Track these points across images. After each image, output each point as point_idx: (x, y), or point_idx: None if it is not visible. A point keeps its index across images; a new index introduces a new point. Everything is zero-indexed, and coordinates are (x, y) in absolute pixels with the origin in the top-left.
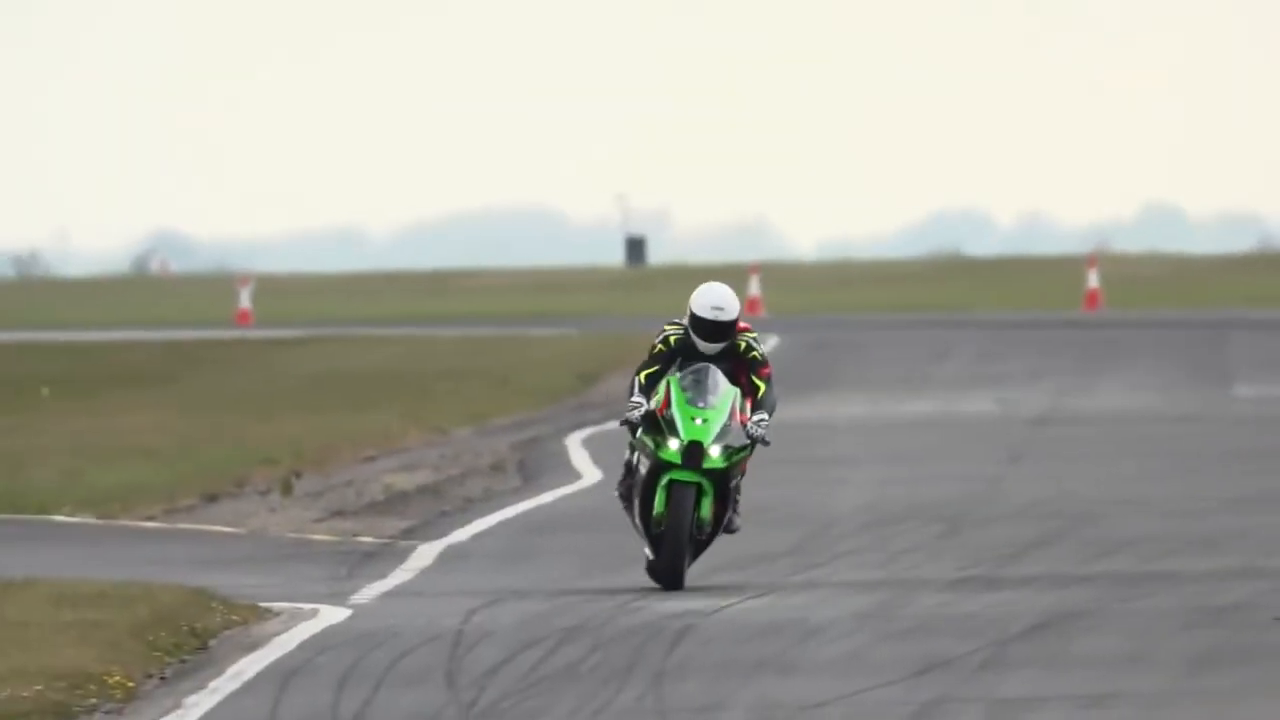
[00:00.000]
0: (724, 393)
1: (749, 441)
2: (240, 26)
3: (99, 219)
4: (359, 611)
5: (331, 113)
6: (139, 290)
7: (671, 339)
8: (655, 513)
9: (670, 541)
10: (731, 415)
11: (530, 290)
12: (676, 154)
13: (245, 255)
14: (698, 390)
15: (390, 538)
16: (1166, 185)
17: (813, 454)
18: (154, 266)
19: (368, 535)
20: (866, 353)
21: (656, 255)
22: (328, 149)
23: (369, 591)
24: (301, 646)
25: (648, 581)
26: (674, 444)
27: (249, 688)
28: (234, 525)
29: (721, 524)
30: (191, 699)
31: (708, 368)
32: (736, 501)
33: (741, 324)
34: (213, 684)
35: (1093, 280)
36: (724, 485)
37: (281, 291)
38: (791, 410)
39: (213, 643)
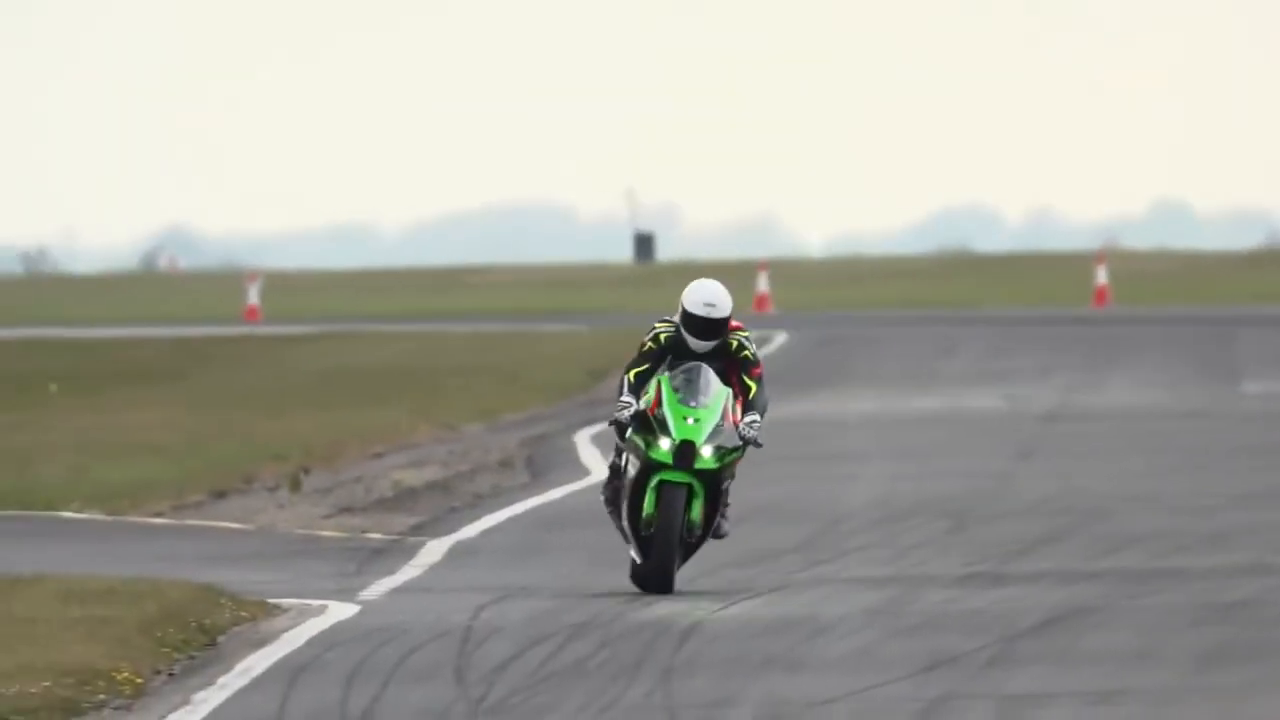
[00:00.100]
0: (716, 392)
1: (741, 443)
2: (250, 24)
3: (107, 216)
4: (368, 608)
5: (341, 110)
6: (147, 287)
7: (662, 337)
8: (645, 514)
9: (660, 543)
10: (724, 415)
11: (539, 286)
12: (686, 151)
13: (254, 252)
14: (689, 389)
15: (399, 534)
16: (1175, 182)
17: (821, 450)
18: (162, 263)
19: (376, 531)
20: (875, 349)
21: (665, 252)
22: (337, 146)
23: (378, 588)
24: (310, 643)
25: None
26: (665, 444)
27: (257, 684)
28: (242, 522)
29: (711, 527)
30: (200, 695)
31: (699, 366)
32: (726, 505)
33: (734, 322)
34: (221, 680)
35: (1101, 277)
36: (715, 487)
37: (290, 288)
38: (800, 406)
39: (221, 639)
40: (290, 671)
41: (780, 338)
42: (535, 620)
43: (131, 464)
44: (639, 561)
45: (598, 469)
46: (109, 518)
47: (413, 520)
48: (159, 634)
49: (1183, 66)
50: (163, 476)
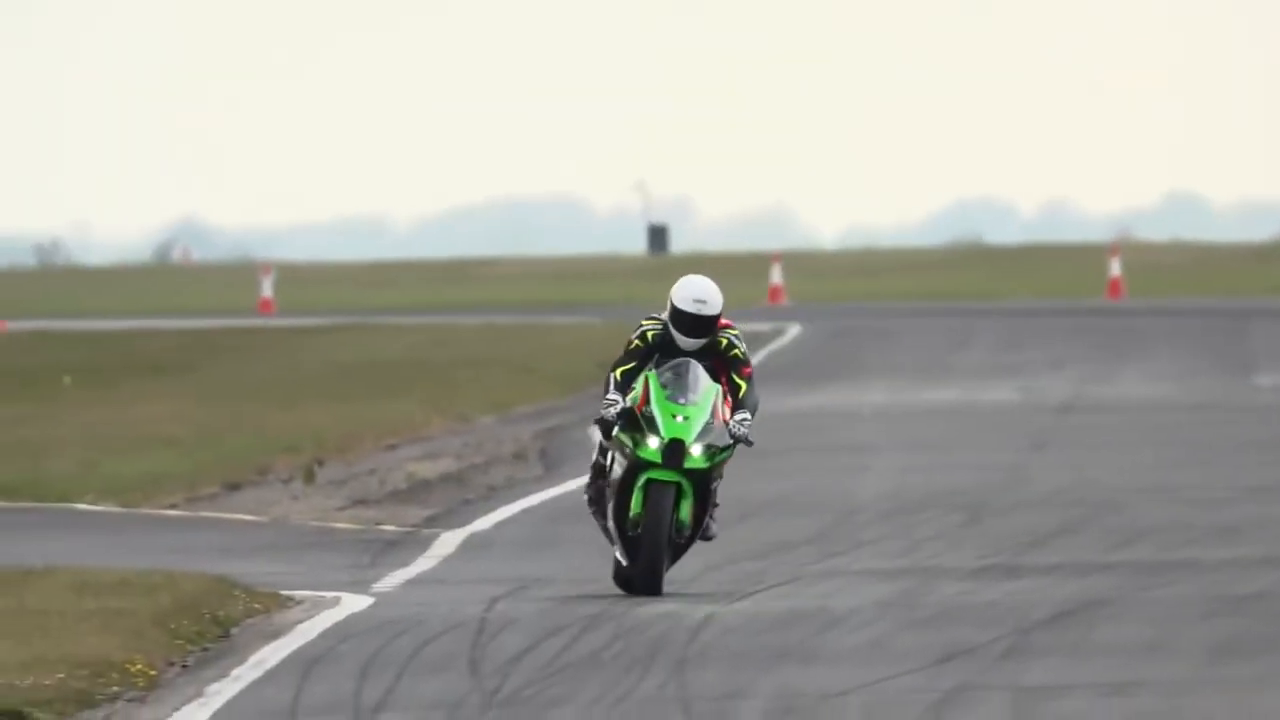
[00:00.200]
0: (705, 389)
1: (731, 441)
2: (264, 18)
3: (121, 208)
4: (381, 600)
5: (353, 104)
6: (161, 279)
7: (649, 334)
8: (632, 514)
9: (648, 544)
10: (713, 413)
11: (552, 278)
12: (699, 144)
13: (266, 244)
14: (678, 386)
15: (413, 526)
16: (1189, 174)
17: (834, 442)
18: (176, 255)
19: (390, 523)
20: (888, 341)
21: (679, 244)
22: (349, 139)
23: (391, 580)
24: (324, 635)
25: (671, 570)
26: (653, 442)
27: (271, 676)
28: (256, 513)
29: (700, 527)
30: (214, 687)
31: (688, 362)
32: (715, 505)
33: (724, 320)
34: (235, 672)
35: (1115, 269)
36: (704, 487)
37: (303, 280)
38: (813, 398)
39: (235, 631)
40: (304, 663)
41: (794, 330)
42: (549, 612)
43: (145, 456)
44: (625, 563)
45: None
46: (122, 510)
47: (426, 512)
48: (173, 626)
49: (1197, 59)
50: (176, 469)
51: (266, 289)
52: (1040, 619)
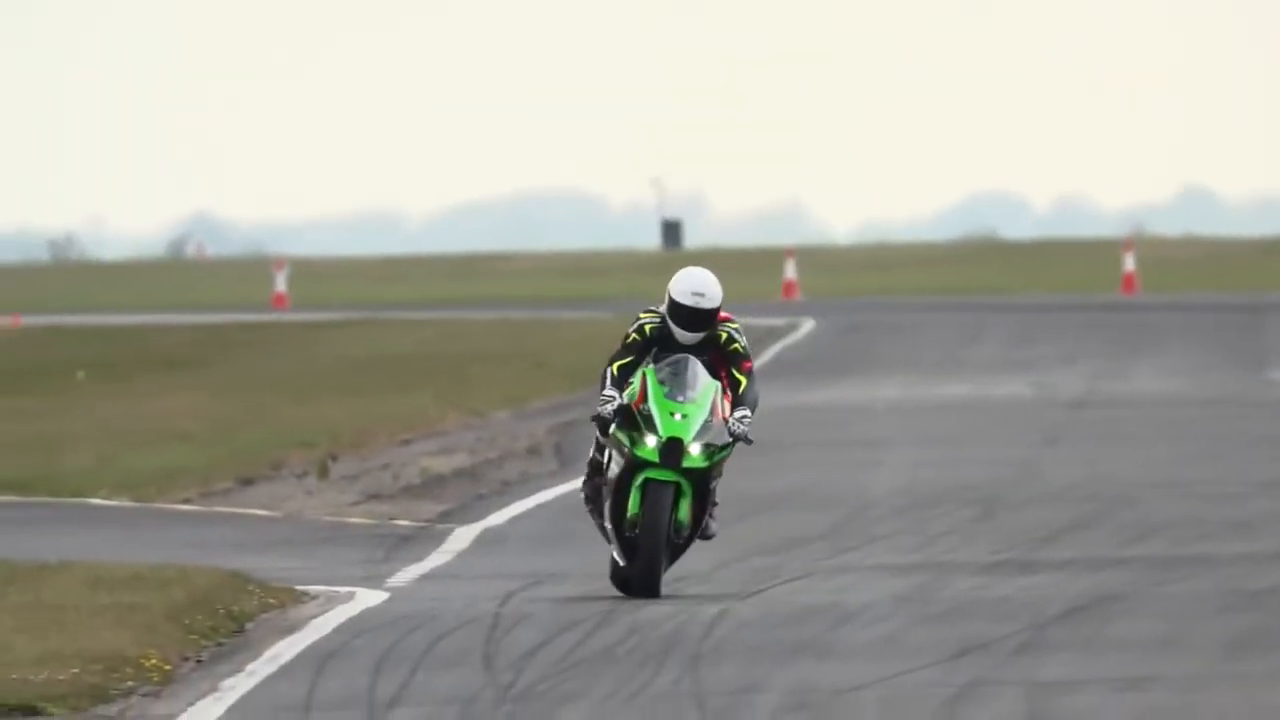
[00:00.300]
0: (704, 386)
1: (731, 440)
2: (278, 12)
3: (135, 203)
4: (396, 594)
5: (367, 99)
6: (175, 274)
7: (647, 328)
8: (629, 514)
9: (646, 545)
10: (713, 411)
11: (566, 273)
12: (713, 138)
13: (281, 239)
14: (676, 383)
15: (427, 521)
16: (1202, 169)
17: (848, 436)
18: (190, 250)
19: (404, 518)
20: (902, 336)
21: (693, 239)
22: (364, 134)
23: (406, 574)
24: (338, 630)
25: (685, 566)
26: (651, 441)
27: (286, 671)
28: (270, 508)
29: (699, 527)
30: (228, 682)
31: (686, 358)
32: (714, 505)
33: (723, 313)
34: (249, 667)
35: (1129, 263)
36: (703, 486)
37: (317, 275)
38: (826, 393)
39: (249, 626)
40: (318, 658)
41: (807, 325)
42: (563, 607)
43: (159, 451)
44: (622, 564)
45: None
46: (137, 505)
47: (441, 507)
48: (187, 621)
49: (1210, 54)
50: (190, 463)
51: (280, 284)
52: (1054, 614)
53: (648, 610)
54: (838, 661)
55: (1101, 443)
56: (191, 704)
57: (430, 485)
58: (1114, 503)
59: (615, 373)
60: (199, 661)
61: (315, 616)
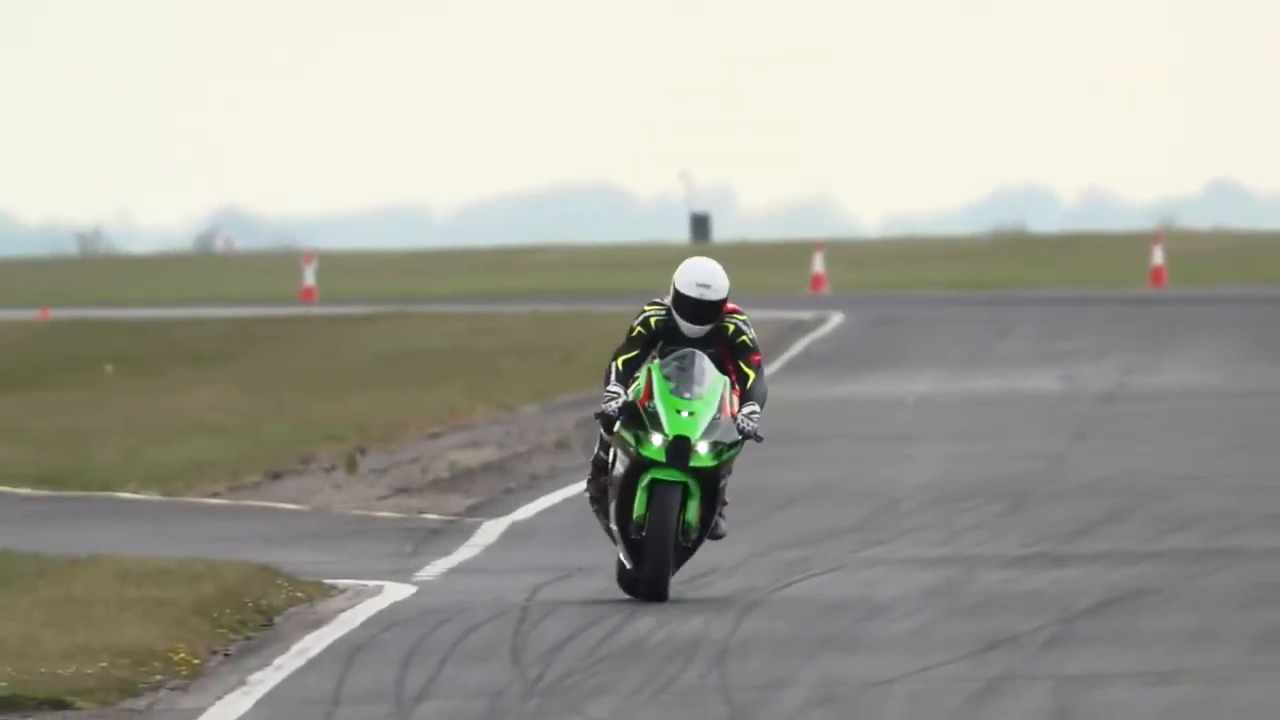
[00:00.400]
0: (712, 382)
1: (740, 437)
2: (308, 5)
3: (163, 196)
4: (424, 588)
5: (395, 92)
6: (203, 267)
7: (653, 320)
8: (635, 516)
9: (653, 548)
10: (721, 408)
11: (595, 266)
12: (742, 131)
13: (309, 233)
14: (683, 379)
15: (455, 515)
16: (1230, 162)
17: (877, 430)
18: (218, 244)
19: (433, 512)
20: (930, 329)
21: (721, 232)
22: (391, 127)
23: (434, 568)
24: (366, 623)
25: (713, 559)
26: (657, 439)
27: (314, 665)
28: (299, 502)
29: (708, 528)
30: (256, 676)
31: (693, 353)
32: (724, 504)
33: (730, 304)
34: (278, 661)
35: (1158, 257)
36: (712, 486)
37: (346, 269)
38: (855, 387)
39: (278, 620)
40: (347, 652)
41: (835, 318)
42: (591, 601)
43: (187, 445)
44: (629, 566)
45: None
46: (165, 498)
47: (469, 501)
48: (215, 615)
49: (1239, 47)
50: (219, 457)
51: (309, 277)
52: (1084, 608)
53: (675, 603)
54: (866, 655)
55: (1131, 436)
56: (219, 698)
57: (459, 479)
58: (1143, 496)
59: (620, 368)
60: (227, 655)
61: (343, 610)
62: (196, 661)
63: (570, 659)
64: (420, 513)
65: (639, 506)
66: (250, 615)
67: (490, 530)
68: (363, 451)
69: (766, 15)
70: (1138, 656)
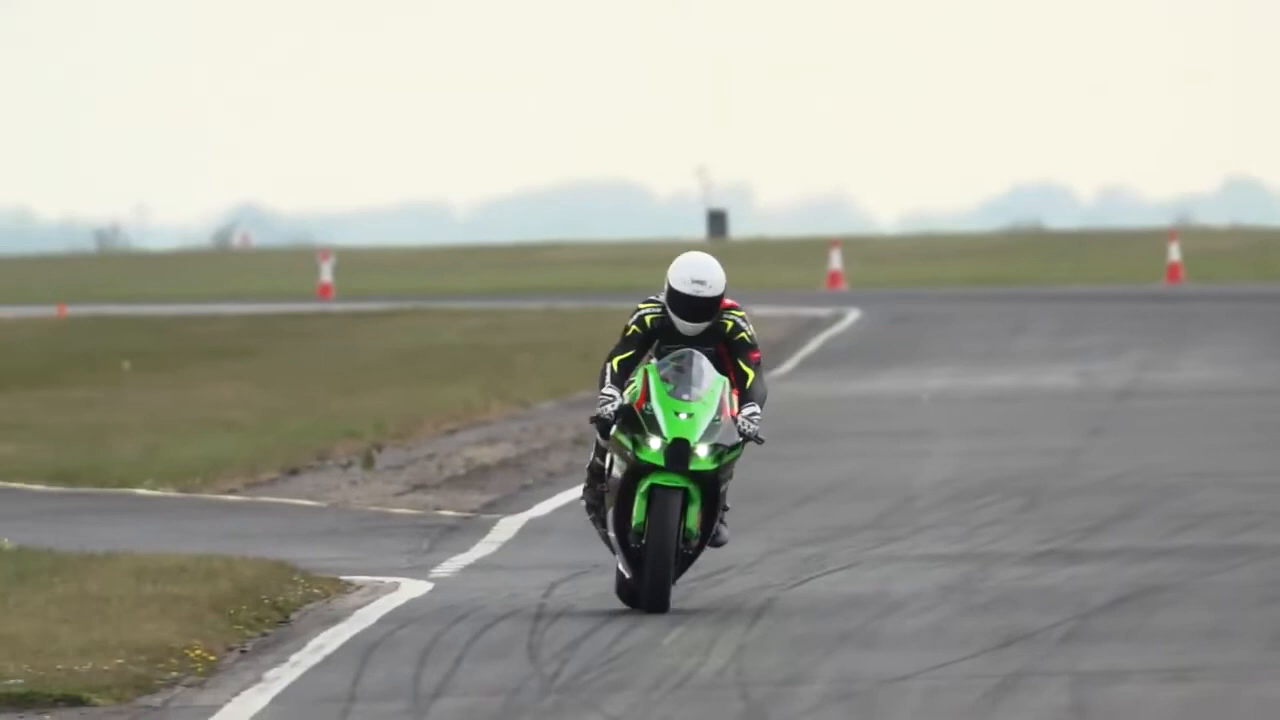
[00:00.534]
0: (711, 383)
1: (741, 439)
2: (325, 2)
3: (181, 193)
4: (440, 585)
5: (413, 88)
6: (220, 264)
7: (648, 319)
8: (634, 523)
9: (654, 556)
10: (720, 409)
11: (612, 263)
12: (759, 128)
13: (327, 229)
14: (681, 380)
15: (472, 511)
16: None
17: (894, 427)
18: (236, 240)
19: (449, 509)
20: (947, 326)
21: (738, 229)
22: (411, 124)
23: (450, 565)
24: (383, 620)
25: (729, 555)
26: (655, 443)
27: (330, 661)
28: (315, 499)
29: (709, 535)
30: (273, 672)
31: (691, 353)
32: (725, 509)
33: (727, 300)
34: (294, 657)
35: (1174, 254)
36: (712, 490)
37: (363, 265)
38: (872, 383)
39: (294, 616)
40: (363, 649)
41: (853, 315)
42: (608, 598)
43: (204, 441)
44: (628, 576)
45: None
46: (182, 495)
47: (485, 498)
48: (232, 611)
49: (1256, 44)
50: (236, 453)
51: (326, 274)
52: (1100, 604)
53: (692, 600)
54: (883, 651)
55: (1147, 433)
56: (236, 694)
57: (475, 476)
58: (1160, 493)
59: (615, 369)
60: (243, 652)
61: (360, 607)
62: (213, 658)
63: (587, 655)
64: (437, 509)
65: (638, 513)
66: (267, 612)
67: (507, 527)
68: (379, 448)
69: (784, 14)
70: (1153, 653)
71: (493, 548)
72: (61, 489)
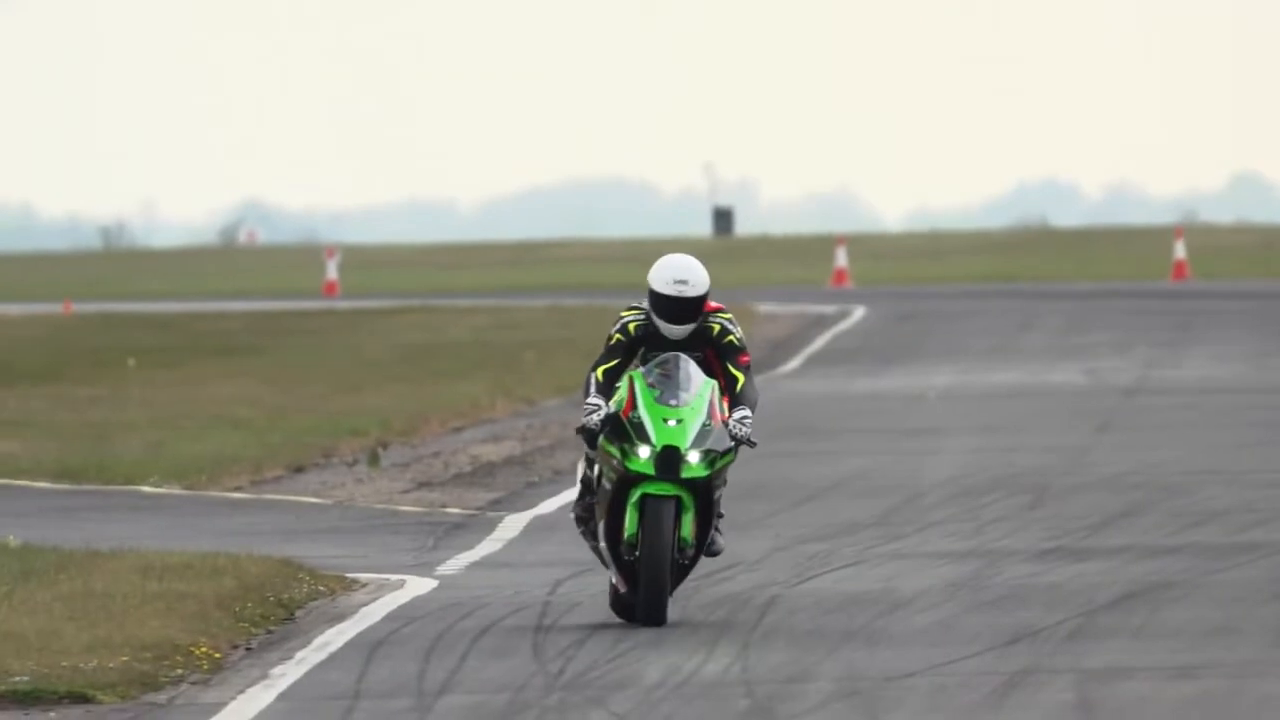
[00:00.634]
0: (699, 387)
1: (733, 444)
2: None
3: (186, 190)
4: (446, 582)
5: (418, 86)
6: (226, 261)
7: (631, 326)
8: (626, 535)
9: (648, 569)
10: (710, 414)
11: (618, 260)
12: (765, 126)
13: (333, 226)
14: (667, 385)
15: (477, 509)
16: (1253, 156)
17: (900, 424)
18: (241, 237)
19: (455, 506)
20: (954, 324)
21: (744, 227)
22: (416, 121)
23: (456, 562)
24: (388, 617)
25: (735, 553)
26: (644, 452)
27: (336, 659)
28: (321, 496)
29: (704, 543)
30: (278, 670)
31: (677, 357)
32: (720, 516)
33: (712, 303)
34: (299, 655)
35: (1180, 251)
36: (706, 497)
37: (369, 263)
38: (878, 381)
39: (299, 613)
40: (368, 646)
41: (859, 312)
42: None
43: (210, 438)
44: (623, 590)
45: None
46: (187, 492)
47: (491, 495)
48: (237, 609)
49: (1262, 41)
50: (241, 451)
51: (332, 271)
52: (1106, 601)
53: (697, 598)
54: (889, 648)
55: (1154, 430)
56: (241, 692)
57: (481, 473)
58: (1166, 490)
59: (600, 378)
60: (249, 649)
61: (365, 604)
62: (218, 655)
63: (592, 652)
64: (442, 507)
65: (630, 525)
66: (272, 609)
67: (512, 524)
68: (385, 445)
69: (789, 11)
70: (1160, 650)
71: (498, 545)
72: (67, 486)
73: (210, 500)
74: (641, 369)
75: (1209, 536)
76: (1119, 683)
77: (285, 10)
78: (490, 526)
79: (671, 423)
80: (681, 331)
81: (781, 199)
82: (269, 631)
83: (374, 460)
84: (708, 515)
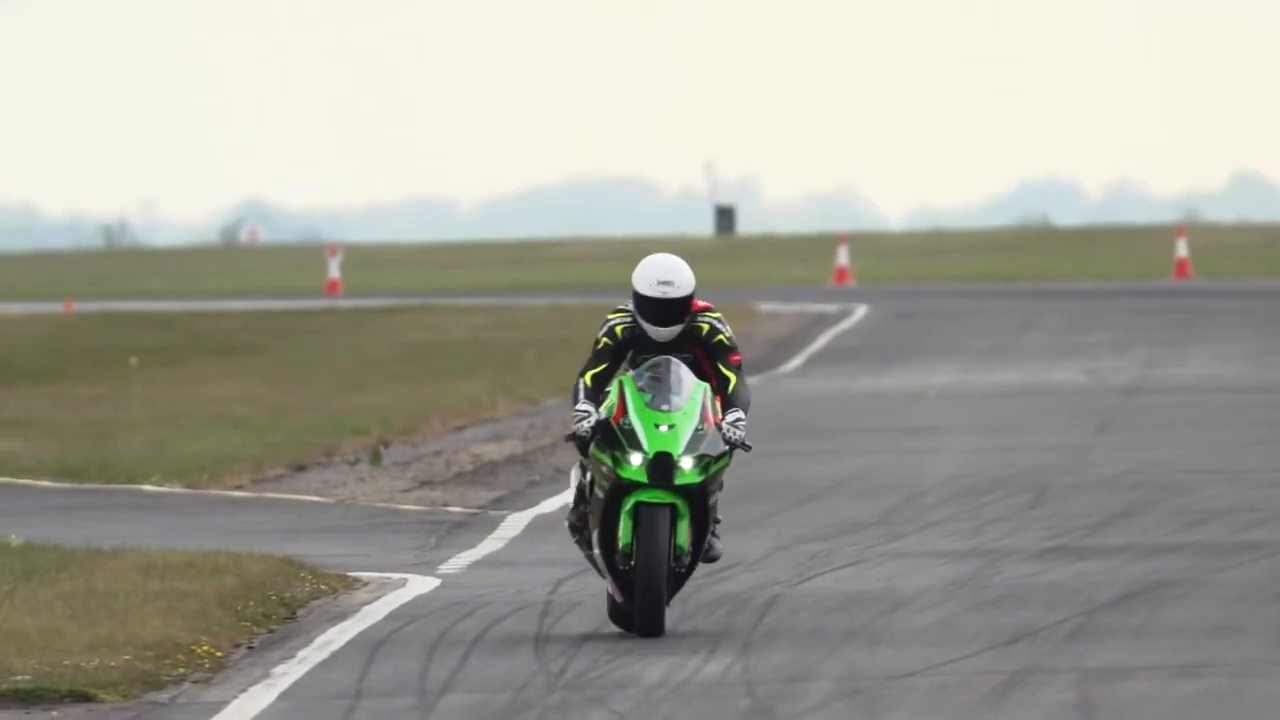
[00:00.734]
0: (691, 391)
1: (727, 448)
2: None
3: (188, 189)
4: (447, 581)
5: (422, 84)
6: (228, 260)
7: (618, 329)
8: (621, 544)
9: (645, 579)
10: (703, 418)
11: (619, 259)
12: (767, 124)
13: (334, 225)
14: (658, 390)
15: (479, 508)
16: (1255, 156)
17: (900, 423)
18: (243, 236)
19: (456, 505)
20: (955, 322)
21: (746, 225)
22: (418, 119)
23: (457, 561)
24: (390, 616)
25: (736, 553)
26: (636, 459)
27: (337, 657)
28: (322, 495)
29: (701, 550)
30: (280, 669)
31: (667, 360)
32: (716, 522)
33: (700, 302)
34: (301, 654)
35: (1181, 250)
36: (701, 503)
37: (370, 262)
38: (879, 380)
39: (301, 612)
40: (370, 645)
41: (860, 311)
42: None
43: (211, 437)
44: (619, 600)
45: None
46: (189, 491)
47: (493, 494)
48: (239, 607)
49: (1263, 40)
50: (243, 450)
51: (333, 270)
52: (1107, 601)
53: (698, 597)
54: (889, 648)
55: (1155, 429)
56: (243, 690)
57: (482, 472)
58: (1167, 489)
59: (589, 383)
60: (251, 648)
61: (367, 603)
62: (220, 654)
63: (593, 652)
64: (444, 505)
65: (624, 534)
66: (273, 608)
67: (514, 523)
68: (386, 444)
69: (790, 11)
70: (1160, 650)
71: (500, 544)
72: (68, 485)
73: (212, 499)
74: (631, 373)
75: (1210, 536)
76: (1119, 682)
77: (285, 10)
78: (492, 525)
79: (663, 428)
80: (668, 334)
81: (784, 197)
82: (271, 630)
83: (375, 459)
84: (703, 521)
